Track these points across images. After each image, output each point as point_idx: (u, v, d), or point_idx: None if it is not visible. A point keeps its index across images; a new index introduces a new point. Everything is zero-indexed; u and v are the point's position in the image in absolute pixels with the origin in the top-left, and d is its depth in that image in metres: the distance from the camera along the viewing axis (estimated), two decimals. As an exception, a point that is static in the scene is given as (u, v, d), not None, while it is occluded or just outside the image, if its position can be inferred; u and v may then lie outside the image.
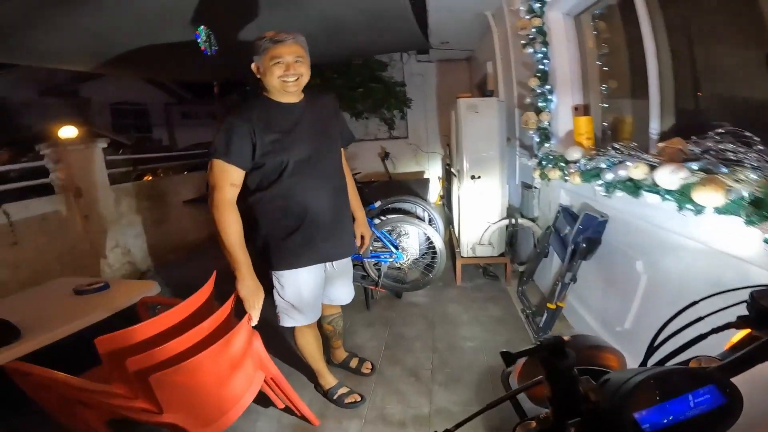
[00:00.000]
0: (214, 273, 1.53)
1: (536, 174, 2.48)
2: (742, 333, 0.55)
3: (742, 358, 0.49)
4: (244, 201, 1.53)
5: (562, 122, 2.49)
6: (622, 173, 1.57)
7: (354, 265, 3.10)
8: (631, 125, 2.23)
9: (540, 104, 2.48)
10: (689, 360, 0.54)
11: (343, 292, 1.93)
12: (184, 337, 1.14)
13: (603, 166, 1.73)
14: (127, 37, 2.63)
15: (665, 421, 0.43)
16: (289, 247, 1.59)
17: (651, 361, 0.60)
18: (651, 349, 0.60)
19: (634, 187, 1.51)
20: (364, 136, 6.17)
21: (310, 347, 1.85)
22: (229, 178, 1.45)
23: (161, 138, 10.76)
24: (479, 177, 3.00)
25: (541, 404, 0.56)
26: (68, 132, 4.10)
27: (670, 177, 1.28)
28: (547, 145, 2.46)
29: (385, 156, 5.65)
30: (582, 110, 2.40)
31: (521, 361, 0.56)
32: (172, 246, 4.35)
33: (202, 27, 2.87)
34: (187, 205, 4.69)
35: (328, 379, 1.95)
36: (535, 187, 2.91)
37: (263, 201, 1.56)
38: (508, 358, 0.47)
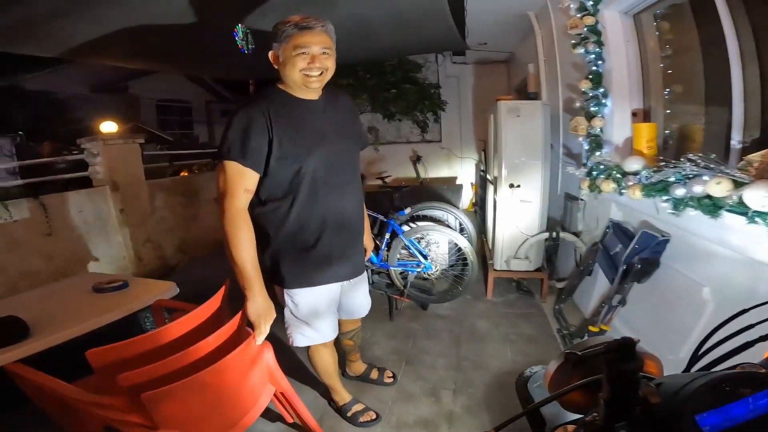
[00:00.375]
0: (224, 285, 1.41)
1: (584, 185, 2.24)
2: None
3: None
4: (250, 210, 1.36)
5: (618, 129, 2.24)
6: (698, 189, 1.34)
7: (378, 273, 2.99)
8: (700, 134, 1.96)
9: (592, 109, 2.25)
10: (733, 367, 0.53)
11: (361, 303, 1.79)
12: (184, 353, 1.04)
13: (672, 179, 1.50)
14: (164, 31, 2.66)
15: (726, 423, 0.43)
16: (305, 263, 1.45)
17: (693, 370, 0.61)
18: (695, 357, 0.62)
19: (712, 206, 1.28)
20: (396, 138, 6.04)
21: (325, 363, 1.72)
22: (244, 184, 1.29)
23: (198, 135, 11.06)
24: (518, 186, 2.78)
25: (574, 409, 0.59)
26: (108, 127, 4.24)
27: (766, 197, 1.05)
28: (598, 153, 2.21)
29: (416, 159, 5.49)
30: (641, 116, 2.15)
31: (553, 367, 0.57)
32: (201, 242, 4.38)
33: (240, 25, 2.84)
34: (217, 202, 4.73)
35: (343, 395, 1.83)
36: (581, 199, 2.66)
37: (276, 212, 1.40)
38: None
